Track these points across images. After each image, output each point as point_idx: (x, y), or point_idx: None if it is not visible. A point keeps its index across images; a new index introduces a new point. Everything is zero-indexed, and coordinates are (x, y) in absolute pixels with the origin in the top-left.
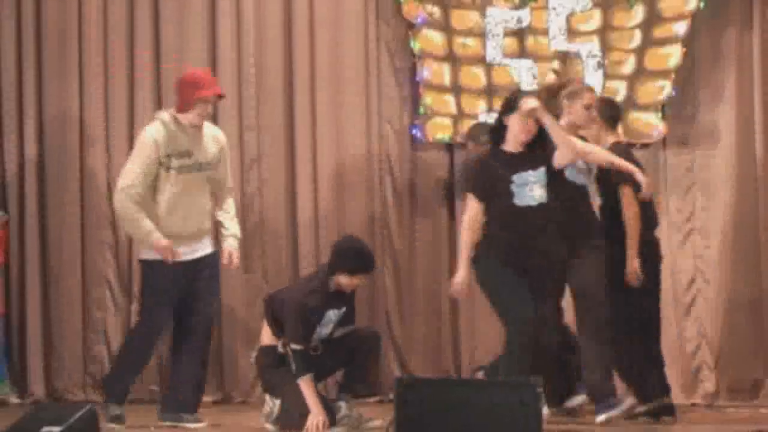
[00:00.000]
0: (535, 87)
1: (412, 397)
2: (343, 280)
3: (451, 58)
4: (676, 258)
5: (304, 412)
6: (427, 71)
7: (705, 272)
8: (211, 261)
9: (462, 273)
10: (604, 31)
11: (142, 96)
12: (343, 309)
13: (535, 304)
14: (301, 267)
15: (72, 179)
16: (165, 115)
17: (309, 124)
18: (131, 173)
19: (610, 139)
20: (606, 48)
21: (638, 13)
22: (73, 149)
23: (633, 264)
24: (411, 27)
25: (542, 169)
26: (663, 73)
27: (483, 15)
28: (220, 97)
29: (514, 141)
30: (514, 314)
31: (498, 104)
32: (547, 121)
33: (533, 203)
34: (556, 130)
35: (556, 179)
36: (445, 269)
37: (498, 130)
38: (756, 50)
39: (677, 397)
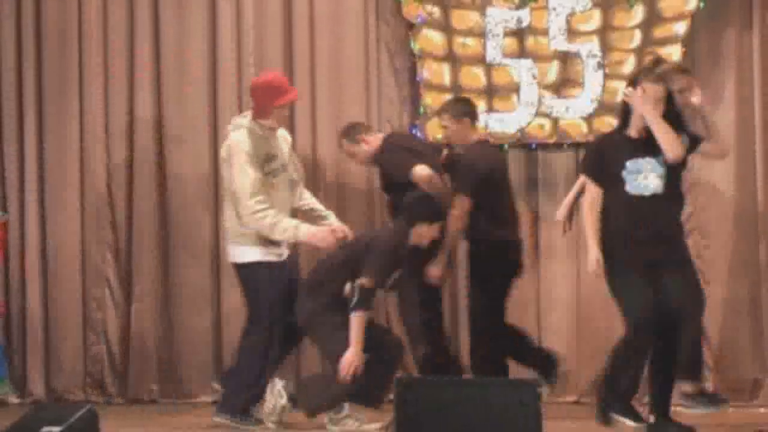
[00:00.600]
0: (535, 87)
1: (412, 397)
2: (423, 230)
3: (451, 58)
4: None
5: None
6: (427, 71)
7: (705, 272)
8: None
9: (594, 251)
10: (604, 31)
11: (142, 96)
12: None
13: (656, 302)
14: (300, 267)
15: (72, 179)
16: (246, 121)
17: (309, 124)
18: (245, 185)
19: (474, 136)
20: (606, 48)
21: (638, 13)
22: (73, 149)
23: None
24: (411, 27)
25: (662, 158)
26: None
27: (483, 15)
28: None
29: (635, 125)
30: (634, 318)
31: (498, 104)
32: (650, 116)
33: (646, 193)
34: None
35: (675, 172)
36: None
37: (624, 113)
38: (756, 51)
39: (676, 397)
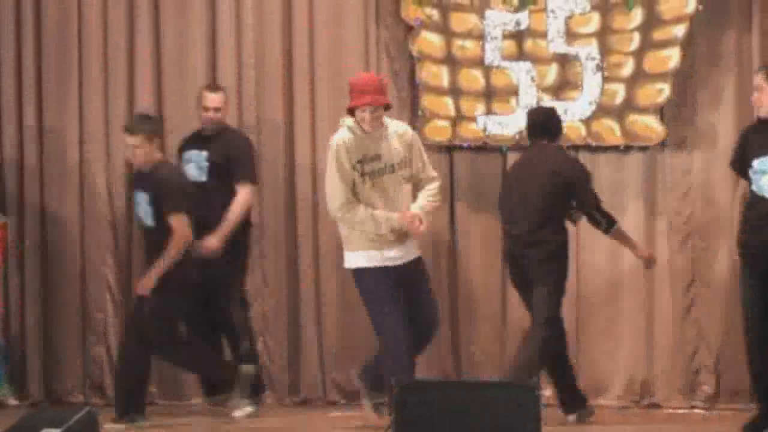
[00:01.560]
0: (534, 90)
1: (411, 399)
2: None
3: (449, 60)
4: (675, 260)
5: None
6: (426, 74)
7: (704, 274)
8: (420, 265)
9: None
10: (602, 34)
11: (142, 97)
12: None
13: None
14: (300, 269)
15: (72, 181)
16: (350, 120)
17: (308, 125)
18: (332, 190)
19: (158, 156)
20: (605, 50)
21: (637, 16)
22: (73, 150)
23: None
24: (410, 30)
25: None
26: (662, 76)
27: (482, 18)
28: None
29: None
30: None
31: (497, 107)
32: None
33: (767, 194)
34: None
35: None
36: (444, 271)
37: None
38: (755, 53)
39: (676, 399)
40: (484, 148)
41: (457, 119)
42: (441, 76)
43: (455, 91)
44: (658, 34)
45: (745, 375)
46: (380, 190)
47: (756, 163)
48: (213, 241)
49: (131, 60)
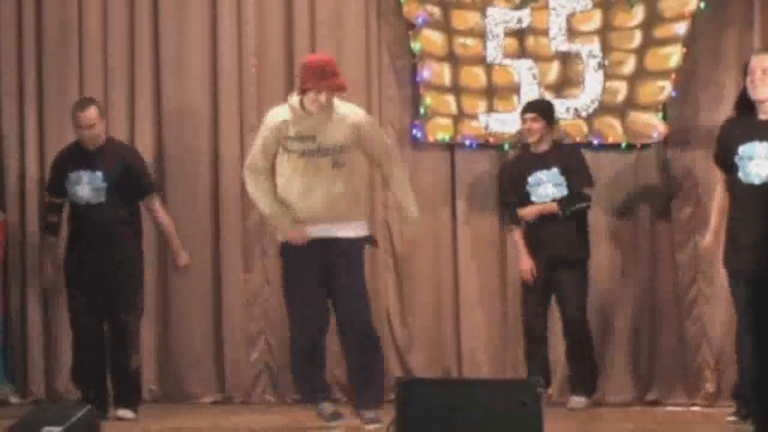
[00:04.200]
0: (536, 87)
1: (413, 397)
2: None
3: (451, 58)
4: (678, 258)
5: None
6: (428, 71)
7: (706, 272)
8: (347, 246)
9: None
10: (604, 32)
11: (141, 96)
12: None
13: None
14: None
15: None
16: (295, 99)
17: None
18: (251, 150)
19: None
20: (606, 48)
21: (638, 14)
22: None
23: None
24: (411, 27)
25: None
26: (663, 74)
27: (483, 15)
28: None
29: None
30: (739, 331)
31: (498, 104)
32: None
33: (757, 181)
34: None
35: None
36: (447, 269)
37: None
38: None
39: (677, 397)
40: (485, 145)
41: (459, 117)
42: (443, 73)
43: (457, 89)
44: (659, 32)
45: (728, 373)
46: (308, 170)
47: (741, 150)
48: (184, 258)
49: (131, 61)
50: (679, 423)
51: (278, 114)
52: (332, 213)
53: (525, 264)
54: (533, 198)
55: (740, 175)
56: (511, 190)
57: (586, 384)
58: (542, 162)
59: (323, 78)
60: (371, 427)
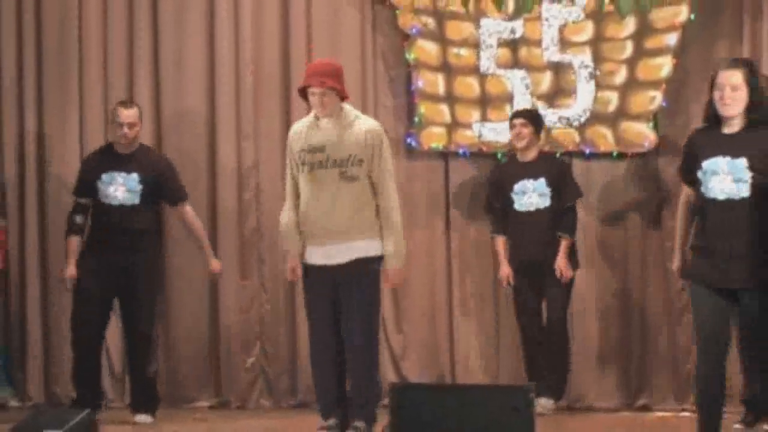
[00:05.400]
0: (528, 97)
1: (407, 402)
2: None
3: (445, 68)
4: (668, 265)
5: None
6: (422, 81)
7: None
8: (356, 269)
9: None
10: (596, 42)
11: (140, 103)
12: None
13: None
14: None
15: (71, 184)
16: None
17: None
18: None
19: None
20: (598, 58)
21: (630, 25)
22: (73, 153)
23: None
24: (406, 38)
25: (742, 160)
26: (654, 84)
27: (477, 26)
28: (306, 89)
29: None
30: (697, 340)
31: (492, 114)
32: None
33: (720, 197)
34: None
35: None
36: (440, 277)
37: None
38: None
39: (667, 403)
40: (478, 154)
41: (453, 126)
42: (437, 83)
43: (451, 98)
44: (650, 43)
45: (734, 380)
46: (316, 183)
47: (705, 164)
48: (215, 264)
49: (130, 67)
50: (669, 428)
51: (294, 127)
52: (338, 230)
53: (503, 272)
54: (516, 206)
55: (703, 189)
56: (495, 197)
57: (557, 388)
58: (530, 171)
59: (314, 75)
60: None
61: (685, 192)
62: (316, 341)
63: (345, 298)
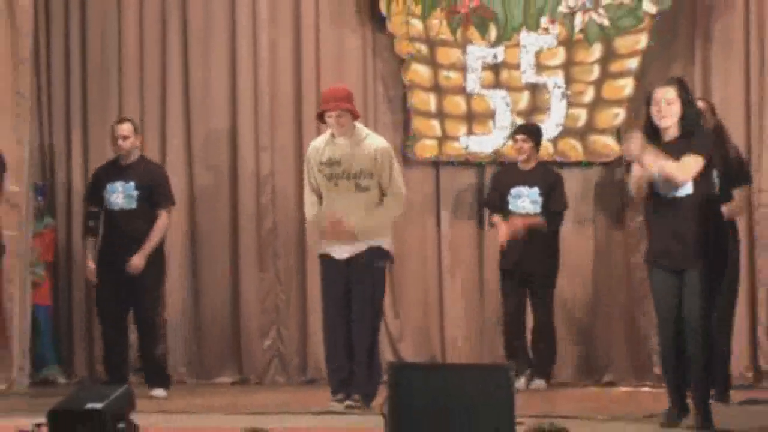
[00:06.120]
0: (508, 114)
1: (403, 379)
2: None
3: (436, 88)
4: (630, 260)
5: None
6: (416, 100)
7: None
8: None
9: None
10: (567, 66)
11: (172, 122)
12: None
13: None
14: (307, 267)
15: None
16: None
17: None
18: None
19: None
20: (569, 80)
21: (596, 51)
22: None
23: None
24: (402, 62)
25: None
26: (618, 102)
27: (464, 52)
28: (324, 113)
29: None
30: (658, 317)
31: (476, 128)
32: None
33: (676, 194)
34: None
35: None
36: (432, 269)
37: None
38: (697, 81)
39: (630, 379)
40: (465, 163)
41: (443, 139)
42: (429, 102)
43: (441, 115)
44: (614, 66)
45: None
46: (335, 191)
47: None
48: (136, 259)
49: (163, 92)
50: (631, 400)
51: (314, 143)
52: (353, 230)
53: (503, 231)
54: (510, 207)
55: (656, 190)
56: (495, 194)
57: (547, 369)
58: (527, 179)
59: (330, 100)
60: (358, 403)
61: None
62: (330, 325)
63: (354, 287)
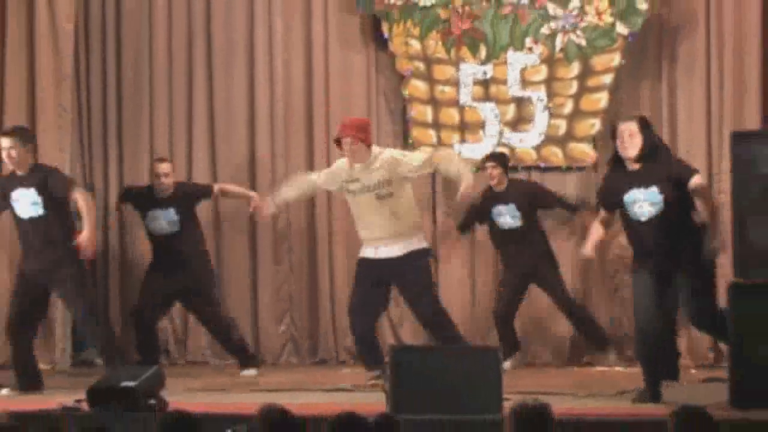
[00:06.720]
0: (497, 124)
1: (403, 360)
2: None
3: (432, 101)
4: (606, 254)
5: None
6: (414, 112)
7: (626, 266)
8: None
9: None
10: (549, 81)
11: (197, 133)
12: None
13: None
14: (318, 259)
15: None
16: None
17: (324, 152)
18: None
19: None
20: (551, 94)
21: (575, 68)
22: (144, 177)
23: None
24: (402, 78)
25: (654, 189)
26: (594, 113)
27: (457, 69)
28: (340, 140)
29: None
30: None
31: (468, 137)
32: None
33: (642, 218)
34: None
35: (670, 200)
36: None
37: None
38: (664, 97)
39: (605, 360)
40: None
41: (439, 147)
42: (426, 113)
43: (437, 125)
44: (591, 82)
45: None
46: (359, 204)
47: (626, 198)
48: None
49: (189, 107)
50: (607, 380)
51: (338, 162)
52: (383, 235)
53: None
54: (499, 225)
55: (630, 214)
56: (474, 216)
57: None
58: (502, 198)
59: (344, 128)
60: (372, 373)
61: (601, 214)
62: (357, 313)
63: (398, 284)
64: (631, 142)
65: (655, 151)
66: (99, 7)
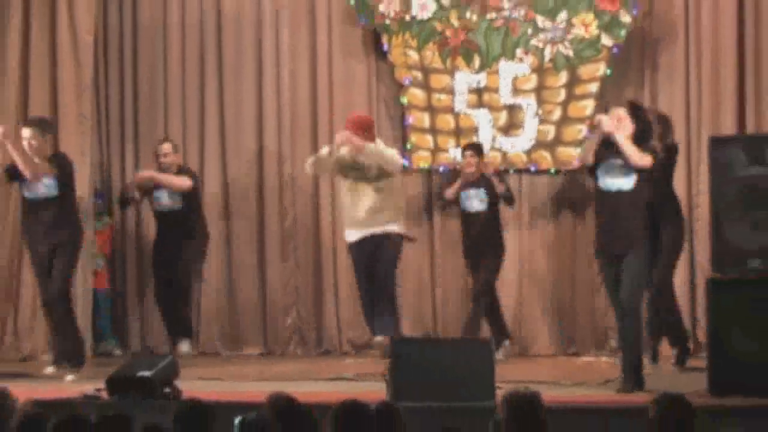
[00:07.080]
0: (490, 130)
1: (403, 351)
2: None
3: (429, 108)
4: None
5: None
6: (412, 118)
7: None
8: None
9: None
10: (539, 90)
11: (209, 139)
12: None
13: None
14: (322, 256)
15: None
16: None
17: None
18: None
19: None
20: (540, 101)
21: (563, 77)
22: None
23: None
24: (401, 87)
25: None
26: (581, 120)
27: (453, 78)
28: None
29: None
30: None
31: (463, 142)
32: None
33: (613, 189)
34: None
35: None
36: (426, 261)
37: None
38: (646, 103)
39: (590, 350)
40: (454, 171)
41: (435, 151)
42: (423, 120)
43: (434, 131)
44: (578, 90)
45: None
46: (352, 187)
47: (599, 168)
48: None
49: (202, 114)
50: (592, 369)
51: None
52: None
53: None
54: (464, 206)
55: (600, 184)
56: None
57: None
58: (474, 184)
59: (348, 125)
60: (379, 338)
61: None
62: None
63: (373, 260)
64: (620, 126)
65: (649, 134)
66: (117, 20)
